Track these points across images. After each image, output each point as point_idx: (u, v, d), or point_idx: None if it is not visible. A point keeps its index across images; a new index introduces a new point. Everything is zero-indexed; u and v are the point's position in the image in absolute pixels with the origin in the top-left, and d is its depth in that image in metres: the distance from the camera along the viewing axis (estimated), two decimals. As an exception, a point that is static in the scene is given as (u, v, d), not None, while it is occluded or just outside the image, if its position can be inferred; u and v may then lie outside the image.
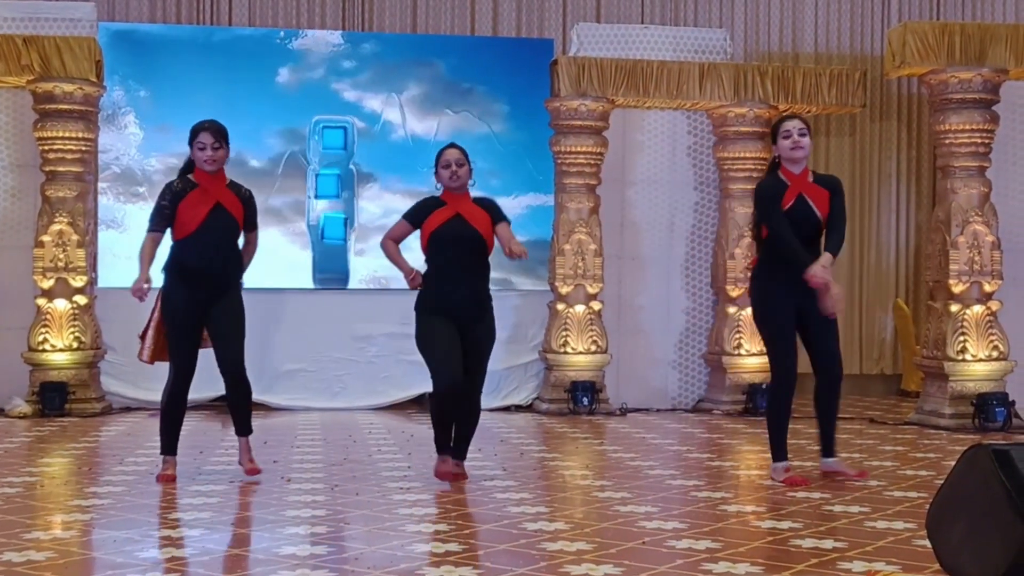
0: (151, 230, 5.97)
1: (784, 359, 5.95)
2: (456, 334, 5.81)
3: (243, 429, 6.18)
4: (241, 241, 6.16)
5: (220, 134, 5.96)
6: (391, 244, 6.00)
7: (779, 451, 6.07)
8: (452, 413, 5.87)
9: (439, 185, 5.95)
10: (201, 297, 5.90)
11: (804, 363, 6.04)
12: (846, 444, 7.62)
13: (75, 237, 9.26)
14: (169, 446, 6.08)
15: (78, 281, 9.29)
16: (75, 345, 9.22)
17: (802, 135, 5.91)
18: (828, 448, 6.16)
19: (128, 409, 9.56)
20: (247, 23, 10.77)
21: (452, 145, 6.08)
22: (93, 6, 9.77)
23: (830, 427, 6.15)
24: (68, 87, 9.15)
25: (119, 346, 9.73)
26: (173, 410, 6.07)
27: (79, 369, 9.23)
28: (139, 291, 5.87)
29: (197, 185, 5.95)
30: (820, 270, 5.81)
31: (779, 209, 5.90)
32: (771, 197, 5.93)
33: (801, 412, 8.70)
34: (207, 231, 5.90)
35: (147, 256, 5.93)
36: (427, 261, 5.95)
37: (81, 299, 9.31)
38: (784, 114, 6.10)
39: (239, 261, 6.10)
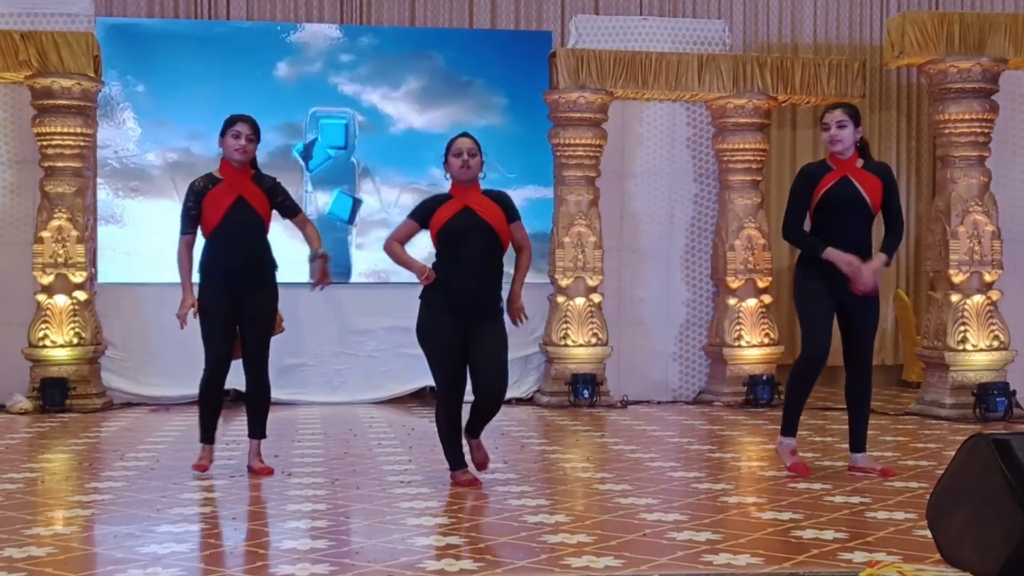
0: (182, 234, 5.99)
1: (812, 341, 5.90)
2: (460, 334, 5.53)
3: (257, 431, 6.12)
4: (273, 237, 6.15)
5: (256, 129, 5.98)
6: (396, 245, 5.69)
7: (789, 426, 6.04)
8: (459, 416, 5.68)
9: (448, 176, 5.69)
10: (233, 294, 5.91)
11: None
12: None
13: (75, 233, 9.25)
14: (205, 435, 6.09)
15: (78, 277, 9.29)
16: (75, 341, 9.22)
17: (841, 127, 5.88)
18: (857, 444, 6.14)
19: (129, 405, 9.58)
20: (245, 17, 10.73)
21: (464, 134, 5.77)
22: (91, 1, 9.76)
23: (860, 423, 6.12)
24: (66, 82, 9.14)
25: (119, 342, 9.75)
26: (206, 400, 6.06)
27: (79, 365, 9.23)
28: (183, 317, 5.92)
29: (220, 180, 5.94)
30: (869, 275, 5.81)
31: (801, 202, 5.92)
32: (800, 187, 5.97)
33: (809, 405, 8.72)
34: (230, 226, 5.88)
35: (185, 266, 5.95)
36: (437, 257, 5.67)
37: (81, 295, 9.31)
38: (830, 103, 6.11)
39: (268, 256, 6.04)
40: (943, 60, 8.92)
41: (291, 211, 6.16)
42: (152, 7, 10.73)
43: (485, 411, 5.68)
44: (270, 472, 6.02)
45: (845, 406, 6.21)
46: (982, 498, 3.71)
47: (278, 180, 6.17)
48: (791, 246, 6.08)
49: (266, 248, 6.05)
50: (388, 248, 5.75)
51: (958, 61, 8.88)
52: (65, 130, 9.21)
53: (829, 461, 6.48)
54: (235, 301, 5.92)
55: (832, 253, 5.80)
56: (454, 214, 5.57)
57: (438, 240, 5.63)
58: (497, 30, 10.99)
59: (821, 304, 5.90)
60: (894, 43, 9.10)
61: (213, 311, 5.92)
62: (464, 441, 5.78)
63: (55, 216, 9.22)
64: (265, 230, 6.04)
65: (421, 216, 5.68)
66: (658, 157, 10.30)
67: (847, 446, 6.25)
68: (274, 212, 6.10)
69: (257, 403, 6.12)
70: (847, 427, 6.24)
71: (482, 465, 5.85)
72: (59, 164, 9.26)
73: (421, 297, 5.66)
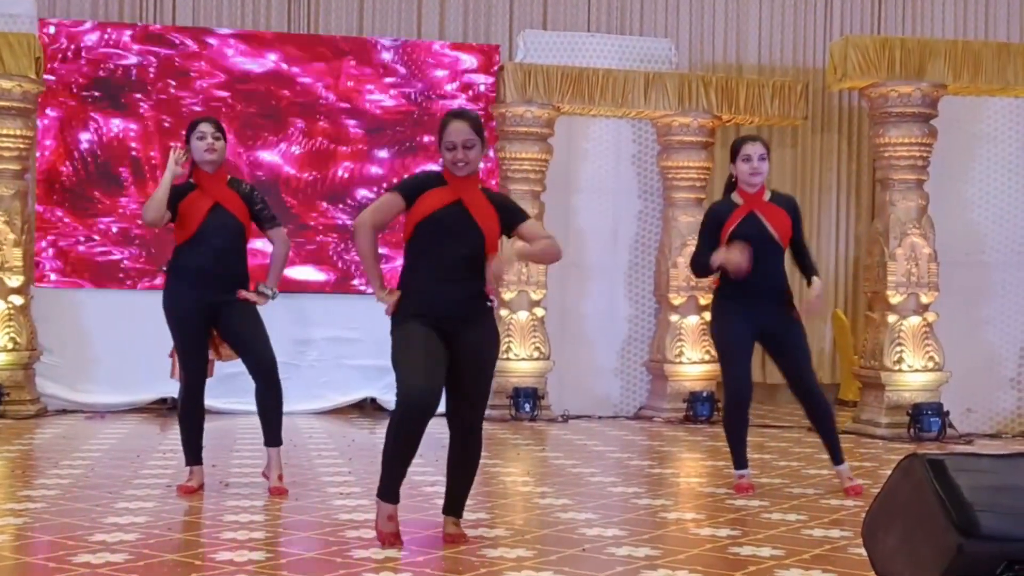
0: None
1: (734, 377, 5.97)
2: (438, 341, 4.51)
3: (273, 439, 5.80)
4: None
5: (219, 126, 5.72)
6: (370, 234, 4.59)
7: (738, 461, 6.09)
8: (414, 440, 4.49)
9: (441, 163, 4.70)
10: (207, 299, 5.61)
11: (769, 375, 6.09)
12: (784, 452, 7.70)
13: (11, 236, 9.12)
14: (191, 456, 5.79)
15: (14, 281, 9.14)
16: (10, 346, 9.07)
17: (762, 160, 5.93)
18: (835, 457, 6.15)
19: (64, 411, 9.43)
20: (190, 22, 10.67)
21: (461, 115, 4.65)
22: (33, 2, 9.63)
23: (829, 440, 6.12)
24: (6, 84, 9.02)
25: (55, 347, 9.60)
26: (187, 418, 5.78)
27: (14, 370, 9.08)
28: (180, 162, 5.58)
29: (195, 187, 5.67)
30: (816, 301, 5.99)
31: (707, 240, 5.95)
32: (707, 225, 6.00)
33: (756, 422, 8.79)
34: (207, 233, 5.59)
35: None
36: (407, 252, 4.66)
37: (17, 299, 9.16)
38: (744, 135, 6.18)
39: (243, 269, 5.74)
40: (884, 84, 9.07)
41: (268, 221, 5.81)
42: (96, 9, 10.62)
43: (466, 457, 4.74)
44: (285, 492, 5.71)
45: (810, 426, 6.26)
46: (916, 517, 3.76)
47: (255, 187, 5.94)
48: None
49: (244, 260, 5.75)
50: (358, 231, 4.62)
51: (899, 85, 9.03)
52: (4, 132, 9.09)
53: (767, 478, 6.53)
54: (208, 307, 5.63)
55: (717, 257, 5.83)
56: (444, 205, 4.55)
57: (415, 232, 4.58)
58: (445, 42, 11.00)
59: (738, 342, 5.93)
60: (836, 66, 9.23)
61: (184, 322, 5.65)
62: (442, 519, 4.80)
63: (-9, 219, 9.10)
64: (245, 237, 5.74)
65: (409, 192, 4.61)
66: (603, 173, 10.35)
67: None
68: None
69: (271, 409, 5.78)
70: (820, 443, 6.27)
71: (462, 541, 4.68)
72: (-2, 166, 9.14)
73: (392, 317, 4.62)
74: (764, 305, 5.90)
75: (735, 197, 5.98)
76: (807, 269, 6.05)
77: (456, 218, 4.55)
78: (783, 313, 5.95)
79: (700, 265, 5.99)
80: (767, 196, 5.98)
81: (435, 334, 4.51)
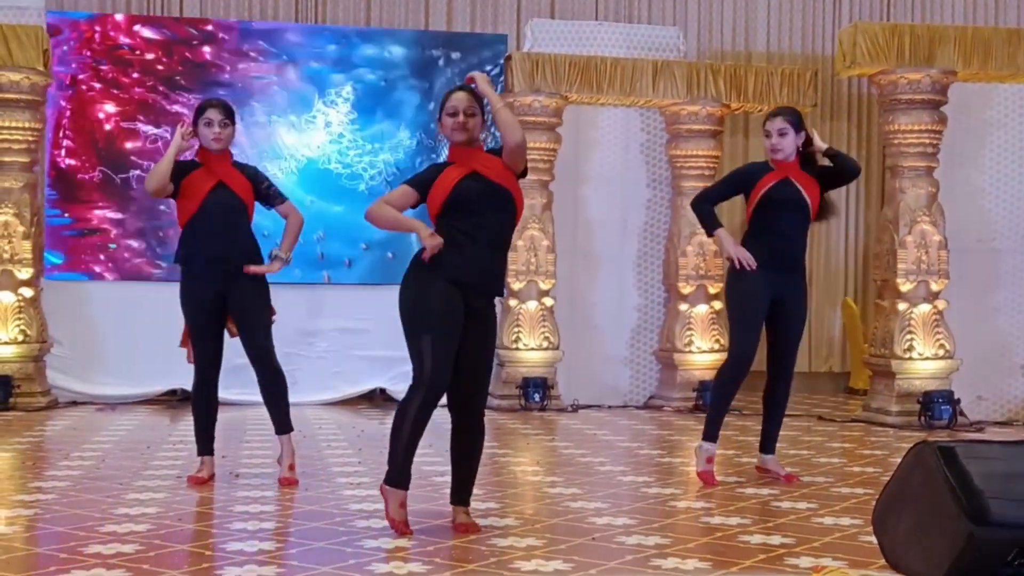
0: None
1: (742, 344, 5.94)
2: (460, 319, 4.57)
3: (283, 426, 5.80)
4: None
5: (228, 111, 5.70)
6: (388, 207, 4.64)
7: (713, 431, 6.02)
8: (427, 421, 4.61)
9: (442, 137, 4.80)
10: (215, 283, 5.61)
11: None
12: (794, 441, 7.69)
13: (21, 228, 9.14)
14: (202, 445, 5.79)
15: (24, 273, 9.16)
16: (20, 338, 9.10)
17: (782, 135, 5.90)
18: (769, 445, 6.18)
19: (74, 403, 9.46)
20: (199, 13, 10.65)
21: (462, 87, 4.80)
22: (40, -6, 9.65)
23: (774, 426, 6.16)
24: (15, 76, 9.02)
25: (66, 339, 9.62)
26: (201, 405, 5.78)
27: (24, 362, 9.10)
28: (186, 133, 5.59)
29: (199, 165, 5.68)
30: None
31: (724, 189, 6.13)
32: (733, 178, 6.12)
33: (752, 408, 8.77)
34: (210, 212, 5.59)
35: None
36: (437, 229, 4.63)
37: (27, 291, 9.18)
38: (774, 108, 6.26)
39: (252, 243, 5.74)
40: (893, 71, 9.03)
41: (277, 198, 5.83)
42: (104, 1, 10.61)
43: (472, 441, 4.85)
44: (295, 483, 5.71)
45: (761, 407, 6.22)
46: (927, 505, 3.76)
47: (259, 169, 5.95)
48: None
49: (251, 235, 5.76)
50: (376, 211, 4.67)
51: (908, 72, 8.99)
52: (13, 124, 9.10)
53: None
54: (218, 291, 5.63)
55: (722, 234, 5.96)
56: (459, 179, 4.61)
57: (442, 214, 4.63)
58: (453, 32, 10.98)
59: (755, 306, 5.92)
60: (846, 53, 9.19)
61: (195, 309, 5.65)
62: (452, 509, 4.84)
63: (1, 211, 9.10)
64: (249, 217, 5.74)
65: (421, 186, 4.68)
66: (612, 162, 10.33)
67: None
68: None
69: (276, 397, 5.79)
70: (760, 428, 6.25)
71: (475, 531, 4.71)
72: (6, 159, 9.14)
73: (412, 265, 4.63)
74: (784, 271, 5.93)
75: (770, 162, 6.00)
76: (840, 166, 6.06)
77: (477, 185, 4.60)
78: (798, 285, 6.00)
79: (702, 205, 6.03)
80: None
81: (459, 309, 4.55)
